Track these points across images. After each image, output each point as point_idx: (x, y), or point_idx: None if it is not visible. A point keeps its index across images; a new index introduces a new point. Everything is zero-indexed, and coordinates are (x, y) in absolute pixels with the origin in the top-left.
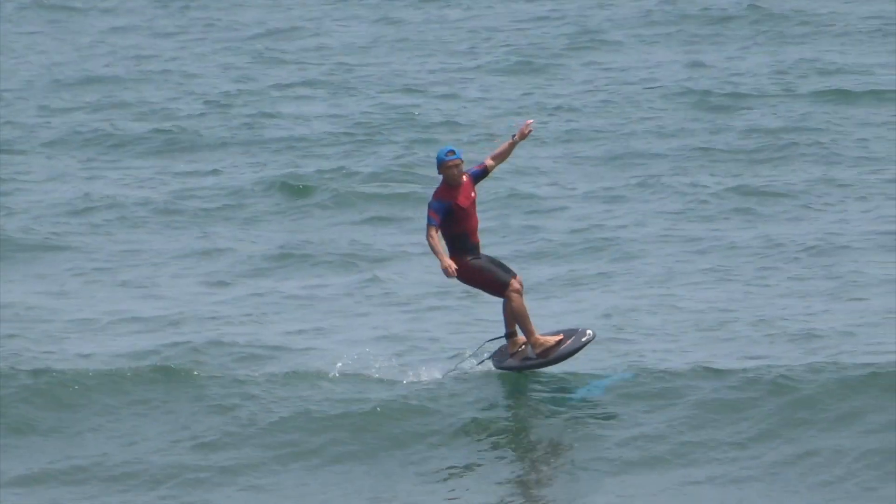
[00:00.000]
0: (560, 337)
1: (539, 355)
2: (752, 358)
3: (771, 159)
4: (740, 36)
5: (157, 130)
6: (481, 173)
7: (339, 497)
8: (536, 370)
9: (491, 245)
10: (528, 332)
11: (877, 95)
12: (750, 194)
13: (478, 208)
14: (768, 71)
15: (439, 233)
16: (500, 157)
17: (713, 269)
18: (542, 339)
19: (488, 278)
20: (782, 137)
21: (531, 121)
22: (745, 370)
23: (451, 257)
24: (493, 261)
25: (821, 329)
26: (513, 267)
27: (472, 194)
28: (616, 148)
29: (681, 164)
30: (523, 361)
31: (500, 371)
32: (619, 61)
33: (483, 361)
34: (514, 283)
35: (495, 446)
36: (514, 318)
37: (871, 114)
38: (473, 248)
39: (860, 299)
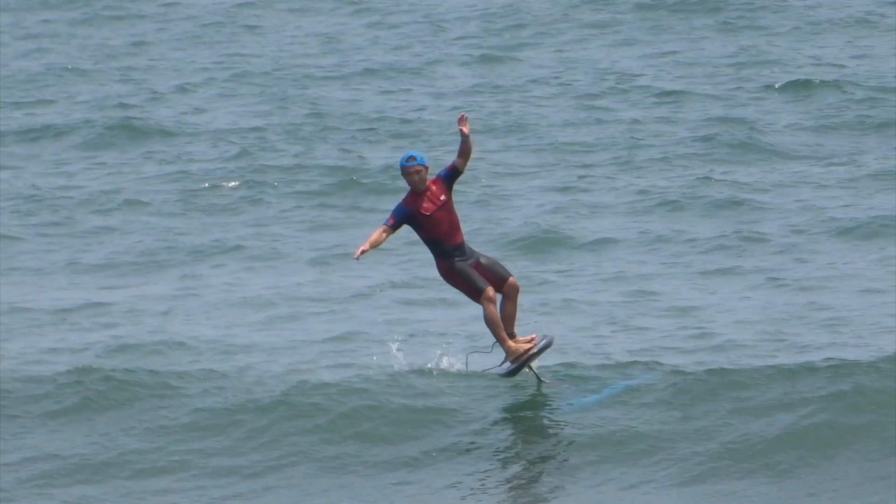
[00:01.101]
0: (530, 344)
1: (511, 361)
2: (691, 352)
3: (715, 150)
4: (687, 27)
5: (95, 122)
6: (452, 174)
7: (283, 480)
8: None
9: None
10: (499, 339)
11: (833, 86)
12: (697, 187)
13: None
14: (711, 63)
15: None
16: (464, 154)
17: (661, 263)
18: (514, 346)
19: (464, 283)
20: (728, 129)
21: (462, 114)
22: (685, 364)
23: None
24: (484, 264)
25: (761, 320)
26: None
27: (442, 198)
28: (562, 138)
29: (626, 157)
30: (518, 365)
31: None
32: (565, 53)
33: (468, 362)
34: (489, 292)
35: (454, 437)
36: (487, 325)
37: (817, 106)
38: (453, 252)
39: (807, 290)
